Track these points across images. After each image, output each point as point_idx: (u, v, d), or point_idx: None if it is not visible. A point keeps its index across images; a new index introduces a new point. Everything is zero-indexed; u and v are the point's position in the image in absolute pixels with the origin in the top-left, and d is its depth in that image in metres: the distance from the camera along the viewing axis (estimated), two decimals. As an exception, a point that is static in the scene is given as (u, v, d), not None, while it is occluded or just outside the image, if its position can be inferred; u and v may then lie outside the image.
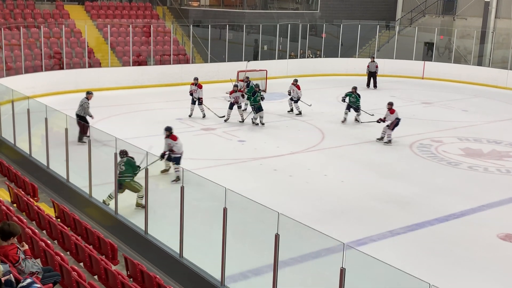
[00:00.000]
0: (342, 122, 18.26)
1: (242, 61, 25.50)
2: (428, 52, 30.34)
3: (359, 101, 18.32)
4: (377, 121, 16.41)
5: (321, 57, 29.11)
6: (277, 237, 6.13)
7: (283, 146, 15.32)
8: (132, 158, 10.21)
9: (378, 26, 30.04)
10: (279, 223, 6.07)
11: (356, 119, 18.35)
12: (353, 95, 18.34)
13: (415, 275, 5.44)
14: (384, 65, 26.55)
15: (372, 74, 25.18)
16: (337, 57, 28.93)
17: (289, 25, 27.67)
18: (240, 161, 14.04)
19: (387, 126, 15.90)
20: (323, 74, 27.59)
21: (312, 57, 29.19)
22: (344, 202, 11.48)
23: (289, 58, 28.08)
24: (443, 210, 11.11)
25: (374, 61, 25.30)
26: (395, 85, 25.59)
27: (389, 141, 15.82)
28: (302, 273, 8.04)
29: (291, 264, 8.01)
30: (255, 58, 27.01)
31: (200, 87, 18.16)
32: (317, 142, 15.95)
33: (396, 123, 15.84)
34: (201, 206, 9.24)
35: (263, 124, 17.43)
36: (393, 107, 15.99)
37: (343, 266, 5.34)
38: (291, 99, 19.43)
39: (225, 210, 6.87)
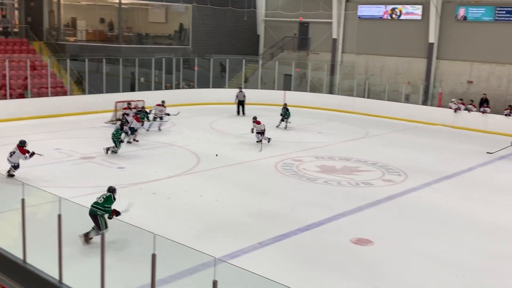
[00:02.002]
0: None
1: (120, 92, 24.96)
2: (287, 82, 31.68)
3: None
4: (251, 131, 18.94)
5: (194, 87, 29.23)
6: (153, 256, 5.97)
7: (161, 171, 15.06)
8: (114, 199, 9.64)
9: (244, 60, 30.85)
10: (155, 243, 5.93)
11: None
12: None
13: (282, 281, 5.57)
14: (251, 94, 27.24)
15: (240, 103, 25.76)
16: (209, 87, 29.23)
17: (164, 59, 27.52)
18: (120, 187, 13.46)
19: (258, 133, 18.70)
20: (196, 103, 27.70)
21: (186, 88, 29.22)
22: (219, 219, 11.50)
23: (165, 89, 27.87)
24: (304, 220, 11.52)
25: (242, 91, 25.92)
26: (261, 112, 26.20)
27: (260, 141, 18.67)
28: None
29: (169, 281, 7.84)
30: (132, 89, 26.55)
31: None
32: (193, 165, 15.89)
33: (264, 131, 18.73)
34: (81, 233, 8.79)
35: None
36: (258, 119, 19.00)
37: (215, 279, 5.32)
38: (160, 118, 20.96)
39: (103, 235, 6.58)
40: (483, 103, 24.94)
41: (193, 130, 21.08)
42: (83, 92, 24.97)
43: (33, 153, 13.68)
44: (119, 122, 18.08)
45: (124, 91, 25.40)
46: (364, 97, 28.56)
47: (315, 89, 30.98)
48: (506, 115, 23.74)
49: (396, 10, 29.29)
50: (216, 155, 16.87)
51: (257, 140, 18.85)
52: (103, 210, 9.40)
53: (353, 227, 11.39)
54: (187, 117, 22.92)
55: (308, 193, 13.71)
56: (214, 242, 10.18)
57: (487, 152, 18.13)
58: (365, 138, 21.77)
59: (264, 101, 28.72)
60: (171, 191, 13.28)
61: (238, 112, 25.65)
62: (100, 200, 9.60)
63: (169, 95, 27.04)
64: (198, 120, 23.49)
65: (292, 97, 29.23)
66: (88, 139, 18.60)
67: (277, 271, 8.86)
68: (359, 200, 13.15)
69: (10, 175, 13.41)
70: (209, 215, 11.76)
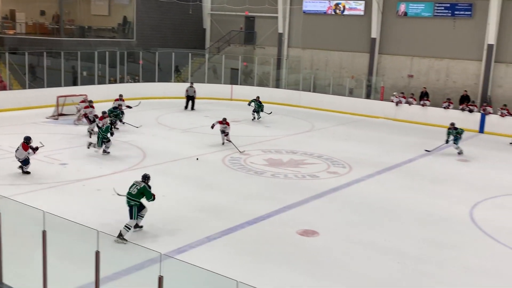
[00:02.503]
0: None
1: (62, 86, 24.24)
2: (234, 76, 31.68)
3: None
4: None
5: (139, 81, 28.76)
6: (97, 254, 5.86)
7: (106, 166, 14.77)
8: (149, 186, 10.15)
9: (190, 54, 30.60)
10: (99, 240, 5.81)
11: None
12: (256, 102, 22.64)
13: (230, 275, 5.58)
14: (198, 88, 27.07)
15: (191, 98, 25.58)
16: (155, 81, 28.84)
17: (107, 52, 26.92)
18: (62, 183, 13.21)
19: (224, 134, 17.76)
20: (142, 98, 27.18)
21: (131, 82, 28.70)
22: (166, 215, 11.39)
23: (109, 83, 27.28)
24: (252, 213, 11.59)
25: (192, 86, 25.75)
26: (208, 106, 26.24)
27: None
28: (125, 286, 7.77)
29: (115, 278, 7.71)
30: (75, 83, 25.84)
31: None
32: (139, 160, 15.67)
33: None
34: (22, 231, 8.50)
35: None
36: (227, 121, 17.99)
37: (161, 274, 5.28)
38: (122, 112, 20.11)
39: (44, 233, 6.39)
40: (423, 96, 25.80)
41: (138, 124, 20.72)
42: (23, 86, 24.08)
43: (36, 148, 13.71)
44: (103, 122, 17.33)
45: (66, 85, 24.69)
46: (310, 91, 28.94)
47: (262, 82, 31.13)
48: (445, 107, 24.65)
49: (339, 5, 29.79)
50: (197, 158, 16.05)
51: (224, 141, 17.84)
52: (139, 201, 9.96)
53: (300, 219, 11.54)
54: (132, 112, 22.50)
55: (255, 187, 13.79)
56: (161, 237, 10.09)
57: (425, 150, 18.75)
58: (311, 131, 22.09)
59: (211, 95, 28.62)
60: (116, 187, 12.99)
61: (186, 107, 25.45)
62: (134, 191, 9.90)
63: (113, 89, 26.51)
64: (143, 115, 23.11)
65: (239, 91, 29.31)
66: (29, 135, 17.95)
67: (225, 264, 8.88)
68: (305, 192, 13.34)
69: (25, 172, 13.53)
70: (156, 211, 11.59)
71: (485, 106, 24.03)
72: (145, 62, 29.02)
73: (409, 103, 25.62)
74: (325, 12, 30.29)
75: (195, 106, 25.55)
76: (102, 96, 24.55)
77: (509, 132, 22.73)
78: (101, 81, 26.94)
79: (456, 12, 26.18)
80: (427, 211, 12.50)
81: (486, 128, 23.49)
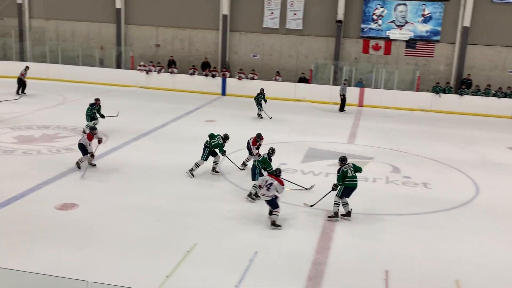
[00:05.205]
0: None
1: None
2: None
3: None
4: None
5: None
6: None
7: None
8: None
9: None
10: None
11: None
12: None
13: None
14: None
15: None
16: None
17: None
18: None
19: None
20: None
21: None
22: None
23: None
24: (4, 195, 10.52)
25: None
26: None
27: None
28: None
29: None
30: None
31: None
32: None
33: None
34: None
35: None
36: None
37: None
38: None
39: None
40: (171, 64, 26.48)
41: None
42: None
43: None
44: None
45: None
46: (58, 63, 27.11)
47: (2, 57, 27.97)
48: (191, 74, 25.74)
49: (81, -25, 28.21)
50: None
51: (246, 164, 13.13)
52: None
53: (57, 193, 10.91)
54: None
55: (5, 167, 12.50)
56: None
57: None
58: (63, 104, 20.85)
59: None
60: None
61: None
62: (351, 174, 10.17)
63: None
64: None
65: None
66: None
67: (-25, 253, 7.95)
68: (61, 167, 12.59)
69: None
70: None
71: (224, 71, 25.86)
72: None
73: (158, 71, 26.03)
74: (66, -18, 28.37)
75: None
76: None
77: (246, 93, 24.97)
78: None
79: (193, -15, 27.22)
80: (180, 168, 12.96)
81: (227, 91, 25.37)
